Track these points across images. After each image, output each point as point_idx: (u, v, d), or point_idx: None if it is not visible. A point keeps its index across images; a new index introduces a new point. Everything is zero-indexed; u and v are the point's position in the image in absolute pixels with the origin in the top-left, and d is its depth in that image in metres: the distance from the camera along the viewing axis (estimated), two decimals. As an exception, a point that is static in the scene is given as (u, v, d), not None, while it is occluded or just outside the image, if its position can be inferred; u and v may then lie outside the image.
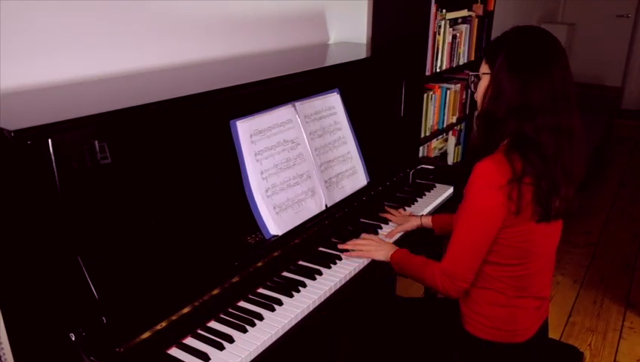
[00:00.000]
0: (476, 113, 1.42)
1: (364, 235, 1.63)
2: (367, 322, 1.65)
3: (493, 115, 1.27)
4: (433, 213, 1.89)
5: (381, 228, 1.74)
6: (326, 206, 1.64)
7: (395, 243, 1.65)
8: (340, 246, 1.56)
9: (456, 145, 3.07)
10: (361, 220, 1.78)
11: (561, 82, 1.24)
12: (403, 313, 1.67)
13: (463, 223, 1.30)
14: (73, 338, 1.05)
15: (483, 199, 1.26)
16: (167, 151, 1.28)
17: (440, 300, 1.33)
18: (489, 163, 1.25)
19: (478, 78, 1.36)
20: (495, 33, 3.06)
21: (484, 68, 1.34)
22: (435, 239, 1.80)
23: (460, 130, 3.13)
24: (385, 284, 2.29)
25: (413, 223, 1.74)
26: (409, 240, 1.71)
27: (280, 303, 1.34)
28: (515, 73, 1.24)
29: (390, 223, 1.77)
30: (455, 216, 1.34)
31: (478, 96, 1.36)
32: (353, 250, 1.55)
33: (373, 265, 1.57)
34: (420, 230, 1.75)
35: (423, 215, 1.78)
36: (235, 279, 1.33)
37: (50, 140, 1.03)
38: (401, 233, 1.73)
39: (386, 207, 1.84)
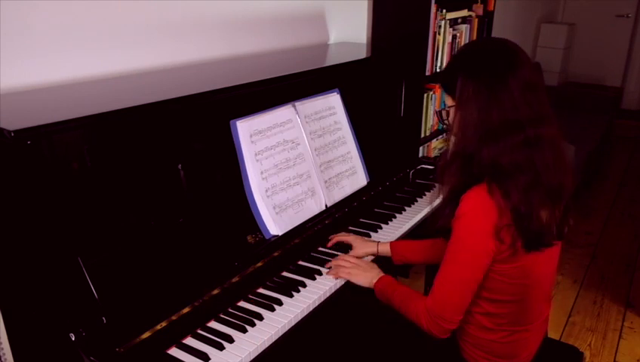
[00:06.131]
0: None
1: (344, 256, 1.51)
2: (368, 323, 1.65)
3: (465, 150, 1.17)
4: (433, 213, 1.89)
5: (381, 228, 1.74)
6: (326, 206, 1.64)
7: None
8: (327, 269, 1.47)
9: (456, 145, 3.07)
10: (361, 220, 1.78)
11: (521, 92, 1.13)
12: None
13: (450, 261, 1.20)
14: (73, 339, 1.05)
15: (470, 241, 1.17)
16: (167, 151, 1.28)
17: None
18: (475, 200, 1.16)
19: (447, 113, 1.27)
20: (495, 33, 3.08)
21: (449, 100, 1.24)
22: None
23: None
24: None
25: (367, 249, 1.57)
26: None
27: (280, 303, 1.34)
28: (477, 89, 1.15)
29: (390, 224, 1.77)
30: (445, 250, 1.23)
31: (454, 131, 1.24)
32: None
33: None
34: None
35: (380, 241, 1.60)
36: (235, 279, 1.33)
37: (50, 140, 1.03)
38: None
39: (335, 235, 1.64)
